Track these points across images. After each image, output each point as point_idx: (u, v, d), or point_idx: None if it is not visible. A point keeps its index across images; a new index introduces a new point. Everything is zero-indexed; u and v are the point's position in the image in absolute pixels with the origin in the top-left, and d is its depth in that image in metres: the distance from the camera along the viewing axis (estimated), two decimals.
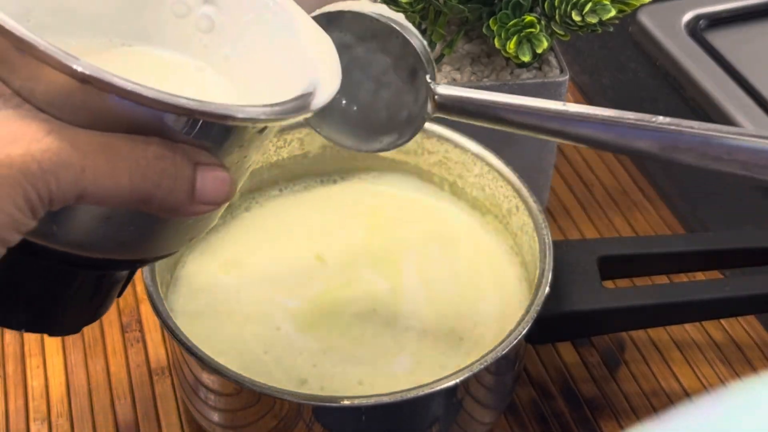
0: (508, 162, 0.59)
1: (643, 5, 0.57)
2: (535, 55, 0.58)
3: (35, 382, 0.61)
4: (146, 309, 0.65)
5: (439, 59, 0.64)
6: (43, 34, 0.34)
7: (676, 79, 0.73)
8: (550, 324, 0.54)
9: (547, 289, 0.52)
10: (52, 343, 0.64)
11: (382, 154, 0.64)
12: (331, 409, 0.49)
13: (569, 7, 0.57)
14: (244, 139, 0.39)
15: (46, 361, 0.63)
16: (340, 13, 0.47)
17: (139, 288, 0.67)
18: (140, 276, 0.61)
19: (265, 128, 0.40)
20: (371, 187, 0.65)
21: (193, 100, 0.35)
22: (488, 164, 0.60)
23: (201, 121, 0.36)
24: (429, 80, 0.47)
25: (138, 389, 0.61)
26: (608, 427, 0.60)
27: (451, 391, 0.49)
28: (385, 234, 0.62)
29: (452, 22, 0.65)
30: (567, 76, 0.63)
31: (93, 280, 0.41)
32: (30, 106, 0.35)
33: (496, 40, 0.58)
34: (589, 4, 0.56)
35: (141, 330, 0.64)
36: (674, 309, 0.57)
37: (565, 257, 0.56)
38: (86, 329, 0.64)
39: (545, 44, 0.58)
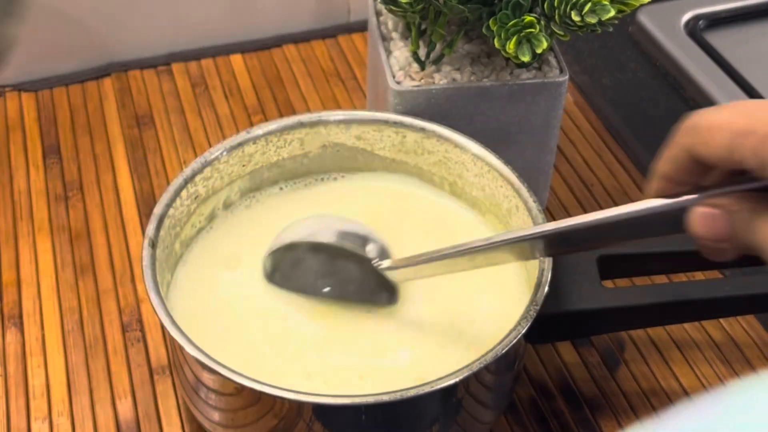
0: (508, 162, 0.60)
1: (642, 5, 0.58)
2: (534, 56, 0.58)
3: (36, 381, 0.62)
4: (147, 308, 0.66)
5: (439, 59, 0.65)
6: None
7: (676, 79, 0.73)
8: (550, 323, 0.54)
9: (547, 288, 0.52)
10: (53, 342, 0.64)
11: (382, 154, 0.64)
12: (331, 408, 0.49)
13: (569, 7, 0.57)
14: None
15: (47, 360, 0.63)
16: (293, 245, 0.57)
17: (140, 287, 0.67)
18: (140, 275, 0.61)
19: None
20: (371, 186, 0.65)
21: None
22: (488, 164, 0.60)
23: None
24: (375, 265, 0.56)
25: (139, 388, 0.61)
26: (608, 427, 0.60)
27: (450, 390, 0.50)
28: (384, 232, 0.62)
29: (452, 22, 0.65)
30: (567, 76, 0.64)
31: None
32: None
33: (495, 40, 0.58)
34: (589, 5, 0.56)
35: (142, 329, 0.64)
36: (673, 308, 0.57)
37: (564, 257, 0.56)
38: (87, 328, 0.64)
39: (545, 44, 0.58)
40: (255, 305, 0.57)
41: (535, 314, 0.51)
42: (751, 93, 0.70)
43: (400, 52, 0.65)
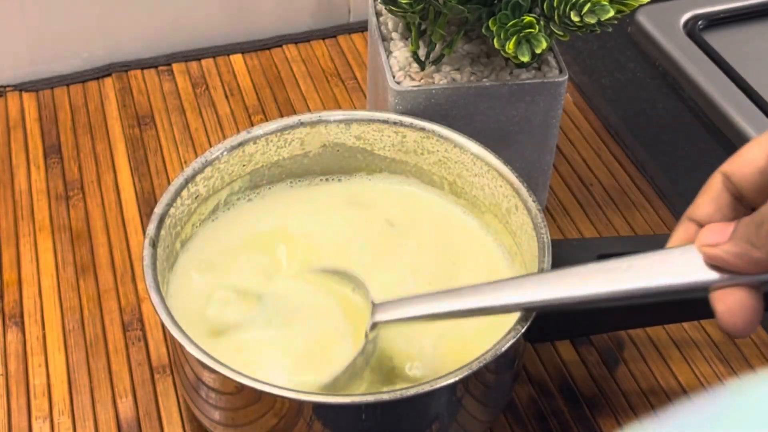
0: (508, 162, 0.60)
1: (641, 6, 0.58)
2: (534, 56, 0.58)
3: (37, 381, 0.62)
4: (147, 307, 0.66)
5: (439, 59, 0.65)
6: None
7: (675, 79, 0.73)
8: (549, 322, 0.54)
9: None
10: (54, 341, 0.64)
11: (382, 154, 0.64)
12: (331, 407, 0.49)
13: (568, 7, 0.57)
14: None
15: (48, 359, 0.63)
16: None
17: (141, 286, 0.67)
18: (141, 275, 0.61)
19: None
20: (371, 185, 0.65)
21: None
22: (488, 164, 0.60)
23: None
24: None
25: (139, 387, 0.61)
26: (607, 426, 0.60)
27: (450, 389, 0.50)
28: (384, 231, 0.62)
29: (452, 23, 0.65)
30: (566, 77, 0.64)
31: None
32: None
33: (495, 41, 0.58)
34: (588, 5, 0.56)
35: (142, 329, 0.65)
36: (673, 308, 0.57)
37: (563, 256, 0.56)
38: (88, 328, 0.64)
39: (544, 44, 0.58)
40: (255, 304, 0.57)
41: (534, 313, 0.51)
42: (750, 93, 0.70)
43: (400, 52, 0.66)
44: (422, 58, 0.65)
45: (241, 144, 0.61)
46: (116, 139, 0.79)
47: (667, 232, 0.71)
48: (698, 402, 0.29)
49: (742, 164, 0.42)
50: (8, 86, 0.83)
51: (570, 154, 0.78)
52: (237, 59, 0.87)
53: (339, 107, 0.82)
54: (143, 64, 0.86)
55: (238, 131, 0.65)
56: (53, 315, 0.65)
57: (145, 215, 0.72)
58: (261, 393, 0.48)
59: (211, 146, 0.61)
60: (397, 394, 0.48)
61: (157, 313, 0.51)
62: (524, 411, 0.61)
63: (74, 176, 0.75)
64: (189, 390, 0.55)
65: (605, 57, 0.82)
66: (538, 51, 0.58)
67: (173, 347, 0.57)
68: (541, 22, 0.59)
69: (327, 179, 0.65)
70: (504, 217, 0.60)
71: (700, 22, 0.76)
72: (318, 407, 0.49)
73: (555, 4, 0.58)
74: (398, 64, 0.65)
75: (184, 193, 0.58)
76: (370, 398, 0.48)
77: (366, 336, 0.52)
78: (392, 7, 0.62)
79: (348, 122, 0.63)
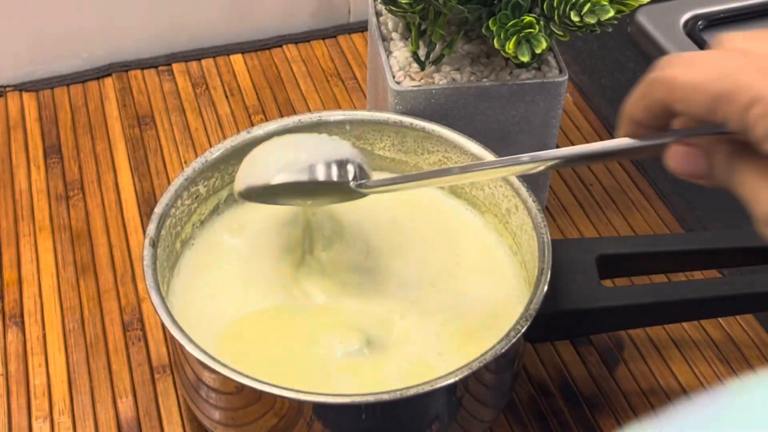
0: None
1: (641, 6, 0.58)
2: (534, 56, 0.58)
3: (37, 381, 0.62)
4: (147, 307, 0.66)
5: (439, 59, 0.65)
6: None
7: None
8: (549, 322, 0.54)
9: (546, 287, 0.52)
10: (54, 341, 0.64)
11: (382, 154, 0.64)
12: (331, 406, 0.49)
13: (568, 7, 0.57)
14: None
15: (48, 359, 0.63)
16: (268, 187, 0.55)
17: (141, 286, 0.67)
18: (141, 274, 0.61)
19: None
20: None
21: None
22: None
23: None
24: (353, 186, 0.54)
25: (140, 387, 0.61)
26: (607, 426, 0.60)
27: (450, 389, 0.50)
28: (384, 231, 0.62)
29: (452, 23, 0.65)
30: (566, 77, 0.64)
31: None
32: None
33: (495, 41, 0.58)
34: (588, 5, 0.56)
35: (143, 329, 0.65)
36: (673, 308, 0.57)
37: (563, 256, 0.56)
38: (88, 328, 0.64)
39: (544, 44, 0.58)
40: (256, 301, 0.57)
41: (534, 313, 0.51)
42: None
43: (400, 52, 0.66)
44: (422, 58, 0.65)
45: (241, 144, 0.61)
46: (116, 139, 0.79)
47: (667, 232, 0.72)
48: (698, 402, 0.29)
49: (686, 101, 0.41)
50: (8, 86, 0.83)
51: None
52: (237, 59, 0.87)
53: (339, 107, 0.82)
54: (143, 64, 0.86)
55: (238, 131, 0.65)
56: (53, 315, 0.65)
57: (145, 215, 0.72)
58: (261, 393, 0.48)
59: (211, 146, 0.61)
60: (397, 394, 0.48)
61: (157, 313, 0.51)
62: (524, 411, 0.61)
63: (74, 176, 0.75)
64: (189, 390, 0.55)
65: (605, 57, 0.82)
66: (538, 51, 0.58)
67: (173, 347, 0.57)
68: (541, 22, 0.59)
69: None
70: (504, 217, 0.60)
71: (700, 22, 0.76)
72: (318, 407, 0.49)
73: (555, 4, 0.58)
74: (398, 64, 0.65)
75: (185, 193, 0.58)
76: (370, 398, 0.48)
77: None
78: (392, 7, 0.62)
79: (348, 122, 0.63)
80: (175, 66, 0.86)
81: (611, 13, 0.56)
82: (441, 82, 0.64)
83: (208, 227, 0.61)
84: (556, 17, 0.58)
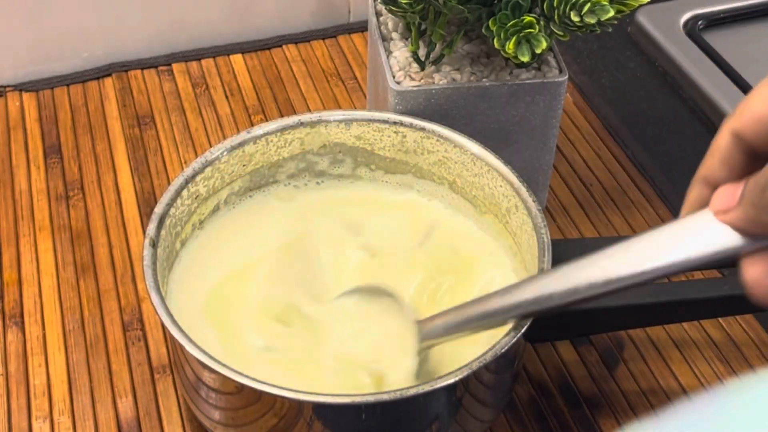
0: (507, 162, 0.60)
1: (641, 6, 0.58)
2: (534, 56, 0.59)
3: (37, 381, 0.62)
4: (147, 307, 0.66)
5: (439, 59, 0.65)
6: None
7: (675, 79, 0.73)
8: (549, 322, 0.54)
9: None
10: (54, 341, 0.64)
11: (382, 154, 0.64)
12: (331, 407, 0.49)
13: (568, 7, 0.57)
14: None
15: (48, 359, 0.63)
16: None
17: (141, 286, 0.67)
18: (141, 274, 0.61)
19: None
20: (371, 185, 0.65)
21: None
22: (487, 164, 0.60)
23: None
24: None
25: (139, 387, 0.61)
26: (607, 426, 0.60)
27: (450, 389, 0.50)
28: (384, 231, 0.62)
29: (452, 23, 0.65)
30: (566, 77, 0.64)
31: None
32: None
33: (495, 41, 0.58)
34: (588, 5, 0.56)
35: (142, 329, 0.65)
36: (673, 308, 0.57)
37: (563, 256, 0.56)
38: (88, 328, 0.64)
39: (544, 44, 0.58)
40: (257, 301, 0.57)
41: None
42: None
43: (400, 52, 0.66)
44: (422, 58, 0.65)
45: (241, 144, 0.61)
46: (116, 139, 0.79)
47: None
48: (698, 402, 0.29)
49: (750, 120, 0.39)
50: (8, 86, 0.83)
51: (570, 154, 0.78)
52: (237, 59, 0.87)
53: (339, 107, 0.82)
54: (143, 64, 0.86)
55: (238, 131, 0.65)
56: (53, 315, 0.65)
57: (145, 215, 0.72)
58: (261, 393, 0.48)
59: (211, 146, 0.61)
60: (397, 394, 0.48)
61: (157, 313, 0.51)
62: (524, 411, 0.61)
63: (74, 176, 0.75)
64: (189, 390, 0.55)
65: (605, 57, 0.82)
66: (538, 51, 0.58)
67: (173, 347, 0.57)
68: (541, 22, 0.59)
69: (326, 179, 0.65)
70: (504, 217, 0.60)
71: (700, 22, 0.76)
72: (318, 407, 0.49)
73: (555, 4, 0.58)
74: (398, 64, 0.65)
75: (184, 193, 0.58)
76: (370, 398, 0.48)
77: (418, 355, 0.53)
78: (392, 7, 0.62)
79: (348, 122, 0.63)
80: (175, 66, 0.86)
81: (611, 13, 0.56)
82: (441, 82, 0.64)
83: (208, 227, 0.61)
84: (556, 17, 0.58)
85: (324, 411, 0.50)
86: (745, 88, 0.70)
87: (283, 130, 0.62)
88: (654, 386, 0.62)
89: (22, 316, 0.65)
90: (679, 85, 0.73)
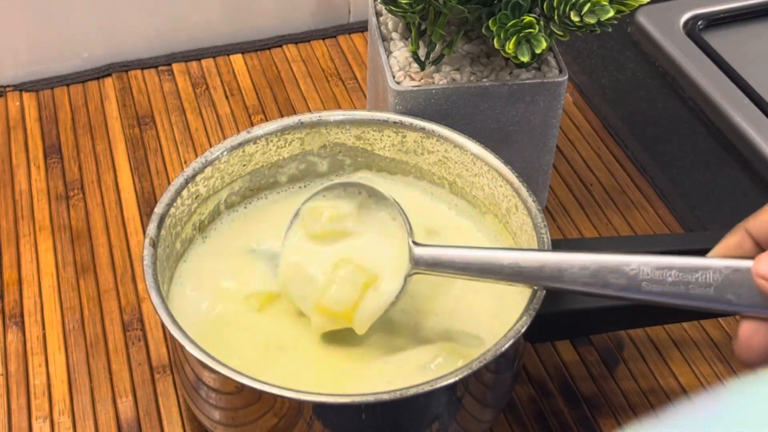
0: (507, 162, 0.60)
1: (641, 6, 0.58)
2: (534, 56, 0.59)
3: (37, 381, 0.62)
4: (147, 307, 0.66)
5: (439, 59, 0.65)
6: None
7: (675, 79, 0.73)
8: (549, 322, 0.54)
9: None
10: (54, 341, 0.64)
11: (382, 154, 0.64)
12: (331, 406, 0.49)
13: (568, 7, 0.57)
14: None
15: (48, 359, 0.63)
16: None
17: (141, 286, 0.67)
18: (141, 275, 0.61)
19: None
20: (371, 185, 0.65)
21: None
22: (487, 164, 0.60)
23: None
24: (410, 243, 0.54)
25: (140, 387, 0.61)
26: (607, 426, 0.60)
27: (450, 389, 0.50)
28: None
29: (452, 23, 0.65)
30: (566, 77, 0.64)
31: None
32: None
33: (495, 41, 0.58)
34: (588, 5, 0.56)
35: (142, 328, 0.65)
36: (673, 308, 0.57)
37: None
38: (88, 327, 0.64)
39: (544, 44, 0.58)
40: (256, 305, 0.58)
41: (534, 313, 0.51)
42: (750, 93, 0.70)
43: (400, 52, 0.66)
44: (422, 58, 0.65)
45: (241, 144, 0.61)
46: (116, 139, 0.79)
47: (667, 232, 0.72)
48: (698, 402, 0.29)
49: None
50: (8, 86, 0.83)
51: (570, 154, 0.78)
52: (237, 59, 0.87)
53: (339, 107, 0.82)
54: (143, 64, 0.86)
55: (238, 131, 0.65)
56: (53, 315, 0.65)
57: (145, 215, 0.72)
58: (261, 393, 0.48)
59: (211, 146, 0.61)
60: (397, 394, 0.48)
61: (157, 313, 0.51)
62: (524, 411, 0.61)
63: (74, 176, 0.75)
64: (189, 390, 0.55)
65: (605, 57, 0.82)
66: (538, 51, 0.58)
67: (173, 347, 0.57)
68: (541, 22, 0.59)
69: (325, 180, 0.65)
70: (504, 217, 0.60)
71: (700, 22, 0.76)
72: (318, 407, 0.49)
73: (555, 4, 0.58)
74: (398, 64, 0.65)
75: (185, 192, 0.58)
76: (370, 398, 0.48)
77: (405, 282, 0.53)
78: (392, 7, 0.62)
79: (348, 122, 0.63)
80: (175, 66, 0.86)
81: (611, 13, 0.56)
82: (441, 82, 0.64)
83: (208, 228, 0.62)
84: (556, 17, 0.58)
85: (324, 411, 0.50)
86: (744, 88, 0.70)
87: (283, 130, 0.62)
88: (654, 386, 0.62)
89: (22, 316, 0.65)
90: (679, 85, 0.73)
